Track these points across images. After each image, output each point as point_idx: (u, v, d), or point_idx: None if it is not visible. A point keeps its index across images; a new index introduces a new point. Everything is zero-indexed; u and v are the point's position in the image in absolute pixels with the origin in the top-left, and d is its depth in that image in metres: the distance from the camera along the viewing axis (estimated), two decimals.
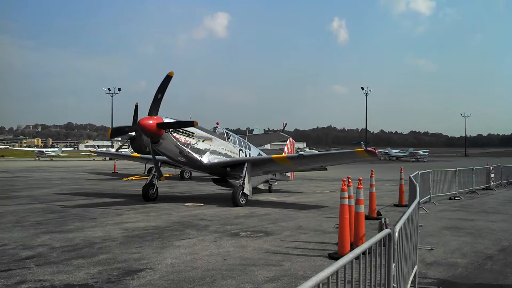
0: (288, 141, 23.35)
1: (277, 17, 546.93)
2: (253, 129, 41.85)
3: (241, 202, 15.06)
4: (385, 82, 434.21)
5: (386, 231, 4.17)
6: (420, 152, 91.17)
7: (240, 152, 17.97)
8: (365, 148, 13.73)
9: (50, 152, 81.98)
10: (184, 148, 15.03)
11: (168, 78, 13.87)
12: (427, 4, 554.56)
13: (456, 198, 17.89)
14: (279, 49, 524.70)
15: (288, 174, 21.94)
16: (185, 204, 15.80)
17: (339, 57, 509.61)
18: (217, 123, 17.84)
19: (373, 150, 13.92)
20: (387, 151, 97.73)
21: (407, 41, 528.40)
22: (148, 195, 16.56)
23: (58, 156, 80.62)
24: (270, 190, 21.00)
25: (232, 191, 15.30)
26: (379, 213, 12.75)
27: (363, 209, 8.58)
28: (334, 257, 7.82)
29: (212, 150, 16.24)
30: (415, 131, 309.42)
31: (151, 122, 13.77)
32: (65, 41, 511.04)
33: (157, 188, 16.97)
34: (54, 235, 9.83)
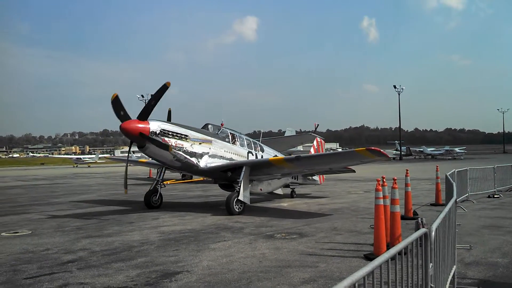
0: (315, 141, 21.72)
1: (306, 18, 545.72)
2: (285, 131, 41.82)
3: (236, 210, 13.75)
4: (417, 80, 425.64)
5: (422, 230, 4.13)
6: (456, 149, 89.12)
7: (250, 154, 16.80)
8: (367, 147, 12.44)
9: (87, 159, 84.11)
10: (176, 151, 14.18)
11: (164, 88, 13.36)
12: None
13: (495, 196, 17.41)
14: (308, 50, 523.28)
15: (315, 177, 20.18)
16: (220, 207, 15.95)
17: (370, 56, 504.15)
18: (222, 124, 16.88)
19: (376, 149, 12.37)
20: (422, 149, 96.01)
21: (439, 37, 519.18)
22: (151, 202, 15.81)
23: (95, 162, 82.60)
24: (292, 195, 19.37)
25: (226, 198, 14.07)
26: (415, 213, 12.56)
27: (398, 209, 8.47)
28: (370, 257, 7.75)
29: (212, 154, 15.26)
30: (451, 128, 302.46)
31: (133, 126, 13.20)
32: (97, 50, 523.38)
33: (161, 194, 16.20)
34: (94, 240, 10.10)
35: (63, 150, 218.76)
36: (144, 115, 13.46)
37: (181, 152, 14.27)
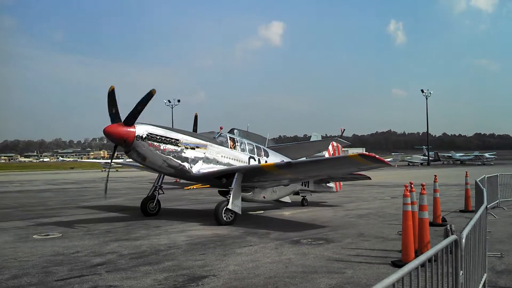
0: (330, 145, 20.13)
1: (332, 23, 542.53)
2: (310, 136, 41.70)
3: (225, 220, 12.80)
4: (445, 84, 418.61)
5: (452, 237, 4.07)
6: (486, 155, 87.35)
7: (252, 160, 15.83)
8: (359, 153, 11.23)
9: (115, 163, 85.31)
10: (166, 156, 13.55)
11: (149, 95, 12.78)
12: (489, 1, 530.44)
13: None
14: (334, 54, 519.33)
15: (331, 184, 18.89)
16: (247, 212, 15.99)
17: (397, 60, 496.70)
18: (221, 128, 16.13)
19: (370, 154, 11.36)
20: (450, 154, 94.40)
21: (468, 40, 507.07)
22: (147, 210, 15.16)
23: (123, 166, 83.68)
24: (303, 203, 18.20)
25: (215, 206, 13.17)
26: (444, 219, 12.34)
27: (427, 215, 8.35)
28: (398, 264, 7.66)
29: (207, 159, 14.47)
30: (480, 133, 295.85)
31: (117, 129, 12.73)
32: (125, 56, 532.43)
33: (158, 201, 15.52)
34: (122, 243, 10.26)
35: (91, 155, 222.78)
36: (130, 119, 12.88)
37: (171, 157, 13.62)
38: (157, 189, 15.54)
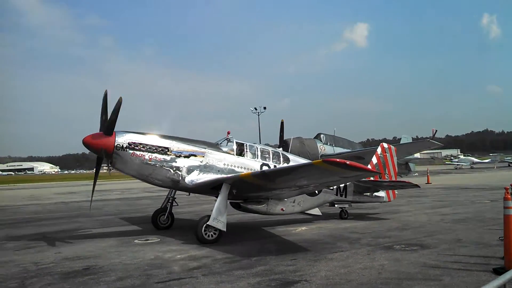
0: (379, 147, 17.32)
1: (419, 21, 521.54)
2: (400, 138, 40.47)
3: (206, 238, 11.34)
4: None
5: None
6: None
7: (264, 167, 13.82)
8: (323, 159, 9.61)
9: None
10: (152, 167, 12.44)
11: (119, 103, 11.82)
12: None
13: None
14: (423, 53, 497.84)
15: (380, 193, 16.46)
16: (334, 218, 15.86)
17: (492, 55, 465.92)
18: (228, 132, 14.56)
19: (333, 160, 9.47)
20: None
21: None
22: (158, 223, 14.37)
23: None
24: (341, 216, 15.98)
25: (197, 222, 11.83)
26: None
27: None
28: (500, 271, 7.22)
29: (204, 167, 13.03)
30: None
31: (95, 140, 11.90)
32: (210, 68, 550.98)
33: (170, 213, 14.63)
34: (215, 247, 10.62)
35: None
36: (107, 129, 11.99)
37: (158, 167, 12.48)
38: (169, 201, 14.76)
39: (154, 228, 14.15)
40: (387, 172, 16.70)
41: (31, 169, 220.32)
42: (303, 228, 13.65)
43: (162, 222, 14.39)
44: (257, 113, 67.97)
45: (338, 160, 9.33)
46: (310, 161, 12.64)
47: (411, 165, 36.65)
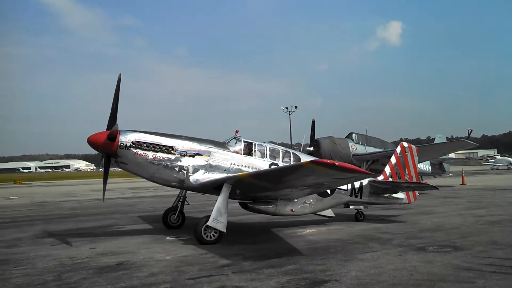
0: (399, 146, 16.74)
1: (455, 18, 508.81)
2: (434, 138, 39.74)
3: (206, 238, 11.16)
4: None
5: None
6: None
7: (272, 166, 13.39)
8: (312, 160, 9.49)
9: None
10: (157, 166, 12.32)
11: (118, 81, 11.84)
12: None
13: None
14: (458, 51, 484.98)
15: (399, 194, 15.87)
16: (371, 218, 15.73)
17: None
18: (236, 131, 14.27)
19: (323, 160, 9.34)
20: None
21: None
22: (168, 222, 14.35)
23: None
24: (357, 218, 15.53)
25: (197, 222, 11.69)
26: None
27: None
28: None
29: (210, 167, 12.85)
30: None
31: (99, 138, 11.85)
32: (242, 68, 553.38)
33: (181, 212, 14.54)
34: (245, 246, 10.73)
35: None
36: (111, 122, 11.99)
37: (162, 166, 12.39)
38: (180, 200, 14.70)
39: (184, 227, 14.28)
40: (407, 172, 16.27)
41: (68, 166, 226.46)
42: (334, 226, 13.56)
43: (173, 221, 14.39)
44: (288, 112, 67.87)
45: (327, 161, 9.20)
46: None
47: (445, 165, 35.90)
